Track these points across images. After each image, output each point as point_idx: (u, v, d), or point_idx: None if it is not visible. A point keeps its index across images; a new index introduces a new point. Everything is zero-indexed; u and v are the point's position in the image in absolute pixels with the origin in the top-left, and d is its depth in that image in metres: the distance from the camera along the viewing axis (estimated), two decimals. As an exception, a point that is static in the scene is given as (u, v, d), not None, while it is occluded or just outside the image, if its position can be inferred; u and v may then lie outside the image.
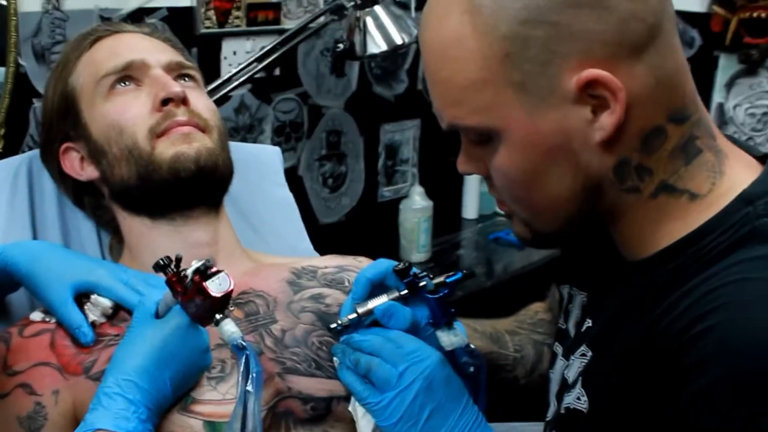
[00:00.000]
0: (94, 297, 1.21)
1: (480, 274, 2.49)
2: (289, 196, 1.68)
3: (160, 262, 1.07)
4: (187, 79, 1.34)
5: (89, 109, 1.29)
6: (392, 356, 1.11)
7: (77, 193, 1.39)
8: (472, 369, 1.16)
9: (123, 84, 1.29)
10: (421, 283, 1.15)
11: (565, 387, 1.08)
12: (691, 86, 0.96)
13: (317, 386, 1.21)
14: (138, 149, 1.25)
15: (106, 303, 1.21)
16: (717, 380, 0.83)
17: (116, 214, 1.33)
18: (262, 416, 1.14)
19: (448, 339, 1.15)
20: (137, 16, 1.91)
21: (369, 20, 1.82)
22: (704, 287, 0.88)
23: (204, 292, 1.05)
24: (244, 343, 1.07)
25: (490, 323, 1.35)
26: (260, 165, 1.65)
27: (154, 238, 1.28)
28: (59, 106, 1.33)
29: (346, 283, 1.32)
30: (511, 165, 0.96)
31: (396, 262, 1.17)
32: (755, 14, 2.50)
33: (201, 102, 1.31)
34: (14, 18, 1.69)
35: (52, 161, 1.38)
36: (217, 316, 1.07)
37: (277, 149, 1.73)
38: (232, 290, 1.07)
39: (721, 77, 2.63)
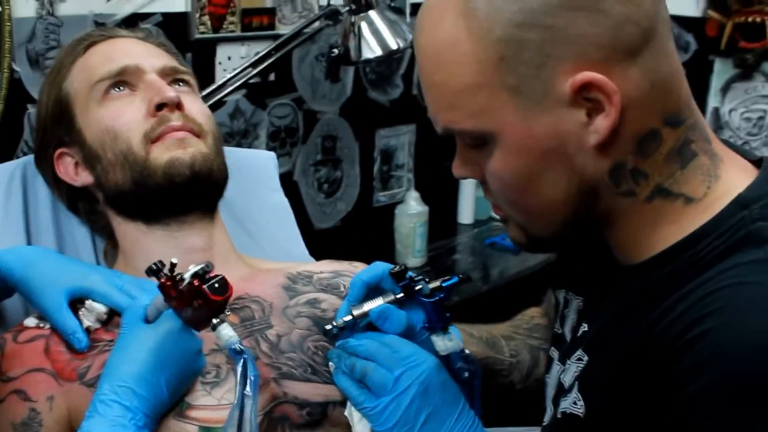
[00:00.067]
0: (88, 302, 1.21)
1: (476, 279, 2.49)
2: (284, 201, 1.68)
3: (153, 266, 1.06)
4: (181, 84, 1.34)
5: (83, 115, 1.29)
6: (388, 361, 1.11)
7: (72, 198, 1.39)
8: (467, 374, 1.16)
9: (117, 89, 1.29)
10: (417, 287, 1.15)
11: (562, 391, 1.08)
12: (686, 90, 0.96)
13: (313, 391, 1.21)
14: (132, 154, 1.25)
15: (101, 308, 1.20)
16: (712, 384, 0.83)
17: (111, 220, 1.33)
18: (258, 421, 1.13)
19: (443, 344, 1.15)
20: (132, 22, 1.91)
21: (364, 25, 1.82)
22: (700, 291, 0.88)
23: (203, 295, 1.04)
24: (241, 348, 1.06)
25: (485, 328, 1.35)
26: (255, 170, 1.65)
27: (148, 243, 1.28)
28: (53, 112, 1.32)
29: (342, 288, 1.32)
30: (506, 169, 0.96)
31: (392, 265, 1.17)
32: (750, 19, 2.51)
33: (195, 107, 1.31)
34: (8, 23, 1.69)
35: (46, 166, 1.37)
36: (214, 321, 1.07)
37: (271, 154, 1.73)
38: (230, 295, 1.06)
39: (716, 82, 2.64)
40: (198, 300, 1.05)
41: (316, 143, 2.47)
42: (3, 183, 1.41)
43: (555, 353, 1.15)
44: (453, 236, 2.84)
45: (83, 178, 1.32)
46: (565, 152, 0.93)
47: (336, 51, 1.87)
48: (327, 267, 1.38)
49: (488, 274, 2.58)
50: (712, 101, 2.65)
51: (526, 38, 0.89)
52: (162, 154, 1.24)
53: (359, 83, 2.53)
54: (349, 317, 1.16)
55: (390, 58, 1.96)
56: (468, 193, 2.87)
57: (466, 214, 2.92)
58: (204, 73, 2.05)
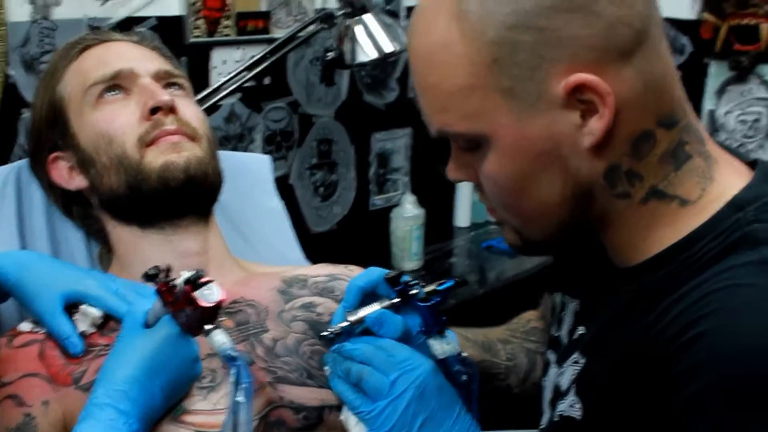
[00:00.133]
0: (83, 307, 1.20)
1: (472, 283, 2.49)
2: (280, 205, 1.68)
3: (150, 271, 1.06)
4: (175, 87, 1.34)
5: (78, 118, 1.29)
6: (384, 365, 1.10)
7: (66, 202, 1.39)
8: (464, 377, 1.15)
9: (111, 93, 1.28)
10: (413, 291, 1.15)
11: (559, 394, 1.08)
12: (680, 91, 0.96)
13: (309, 395, 1.21)
14: (127, 158, 1.24)
15: (96, 313, 1.20)
16: (708, 387, 0.83)
17: (105, 224, 1.33)
18: (254, 426, 1.13)
19: (440, 347, 1.14)
20: (126, 26, 1.91)
21: (359, 28, 1.82)
22: (695, 294, 0.88)
23: (193, 302, 1.04)
24: (234, 354, 1.06)
25: (482, 332, 1.35)
26: (250, 174, 1.65)
27: (143, 247, 1.28)
28: (47, 116, 1.32)
29: (337, 292, 1.32)
30: (500, 171, 0.96)
31: (387, 270, 1.17)
32: (745, 21, 2.51)
33: (190, 110, 1.31)
34: (3, 27, 1.69)
35: (40, 171, 1.37)
36: (207, 327, 1.07)
37: (266, 158, 1.73)
38: (222, 301, 1.06)
39: (711, 84, 2.64)
40: (190, 306, 1.05)
41: (312, 147, 2.47)
42: (-3, 187, 1.41)
43: (552, 356, 1.15)
44: (449, 239, 2.84)
45: (77, 182, 1.32)
46: (559, 154, 0.93)
47: (331, 54, 1.87)
48: (322, 270, 1.38)
49: (485, 277, 2.58)
50: (708, 104, 2.65)
51: (519, 40, 0.89)
52: (156, 158, 1.24)
53: (354, 87, 2.53)
54: (345, 323, 1.16)
55: (385, 61, 1.96)
56: (464, 196, 2.87)
57: (462, 217, 2.92)
58: (199, 77, 2.05)
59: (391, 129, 2.68)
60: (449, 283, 1.16)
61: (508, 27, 0.89)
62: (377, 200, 2.71)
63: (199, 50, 2.10)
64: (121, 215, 1.29)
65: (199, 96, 1.68)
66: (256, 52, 1.85)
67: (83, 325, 1.20)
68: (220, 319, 1.08)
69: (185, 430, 1.12)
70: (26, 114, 1.76)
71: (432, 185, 2.57)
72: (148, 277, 1.07)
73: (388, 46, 1.83)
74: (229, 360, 1.06)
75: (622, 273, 1.00)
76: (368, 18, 1.82)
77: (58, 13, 1.81)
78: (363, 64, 1.85)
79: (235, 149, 2.20)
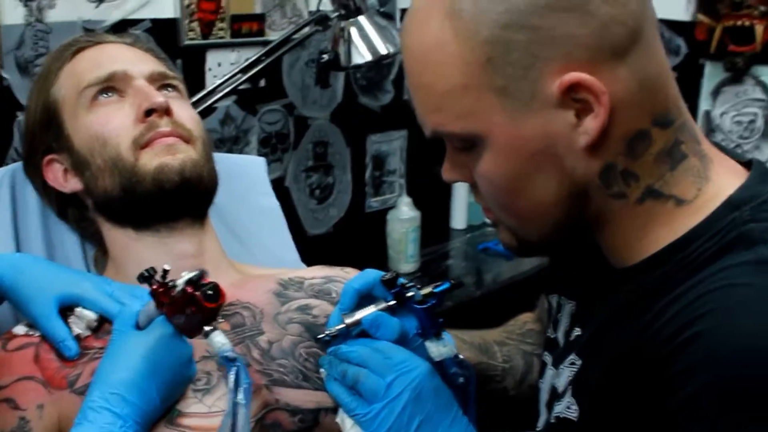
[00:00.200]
0: (78, 310, 1.20)
1: (469, 285, 2.49)
2: (276, 207, 1.67)
3: (145, 273, 1.06)
4: (170, 89, 1.33)
5: (72, 121, 1.29)
6: (380, 367, 1.10)
7: (61, 205, 1.38)
8: (461, 380, 1.15)
9: (105, 95, 1.28)
10: (409, 294, 1.15)
11: (555, 396, 1.08)
12: (675, 90, 0.96)
13: (305, 398, 1.20)
14: (121, 161, 1.24)
15: (91, 316, 1.20)
16: (704, 387, 0.83)
17: (100, 226, 1.32)
18: (251, 428, 1.13)
19: (436, 349, 1.14)
20: (121, 28, 1.91)
21: (353, 31, 1.82)
22: (691, 294, 0.88)
23: (196, 302, 1.04)
24: (234, 355, 1.06)
25: (478, 334, 1.35)
26: (245, 176, 1.65)
27: (138, 249, 1.28)
28: (41, 118, 1.32)
29: (333, 294, 1.32)
30: (495, 171, 0.96)
31: (383, 272, 1.16)
32: (739, 22, 2.51)
33: (184, 112, 1.31)
34: (-3, 31, 1.69)
35: (35, 173, 1.37)
36: (206, 328, 1.07)
37: (261, 159, 1.72)
38: (223, 302, 1.06)
39: (707, 85, 2.64)
40: (191, 307, 1.05)
41: (308, 149, 2.47)
42: (-8, 190, 1.41)
43: (548, 358, 1.15)
44: (446, 241, 2.84)
45: (72, 184, 1.31)
46: (554, 154, 0.93)
47: (326, 57, 1.87)
48: (318, 273, 1.37)
49: (481, 279, 2.58)
50: (704, 104, 2.65)
51: (512, 39, 0.89)
52: (151, 160, 1.23)
53: (350, 89, 2.53)
54: (342, 326, 1.16)
55: (380, 63, 1.95)
56: (461, 198, 2.88)
57: (458, 219, 2.92)
58: (194, 79, 2.05)
59: (387, 131, 2.68)
60: (445, 285, 1.16)
61: (501, 26, 0.89)
62: (373, 202, 2.71)
63: (193, 53, 2.10)
64: (116, 218, 1.29)
65: (194, 98, 1.67)
66: (251, 54, 1.85)
67: (78, 328, 1.20)
68: (219, 321, 1.08)
69: (181, 433, 1.12)
70: (21, 117, 1.75)
71: (428, 187, 2.57)
72: (143, 278, 1.06)
73: (383, 48, 1.82)
74: (228, 361, 1.06)
75: (619, 273, 1.00)
76: (363, 20, 1.82)
77: (53, 16, 1.81)
78: (358, 66, 1.85)
79: (230, 152, 2.20)
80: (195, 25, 2.07)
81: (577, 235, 1.01)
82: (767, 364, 0.81)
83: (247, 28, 2.18)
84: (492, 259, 2.68)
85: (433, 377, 1.11)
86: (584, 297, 1.10)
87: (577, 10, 0.88)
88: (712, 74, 2.63)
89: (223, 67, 2.14)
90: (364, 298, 1.17)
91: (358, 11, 1.81)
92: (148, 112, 1.26)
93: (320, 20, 1.86)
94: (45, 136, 1.32)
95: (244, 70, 1.80)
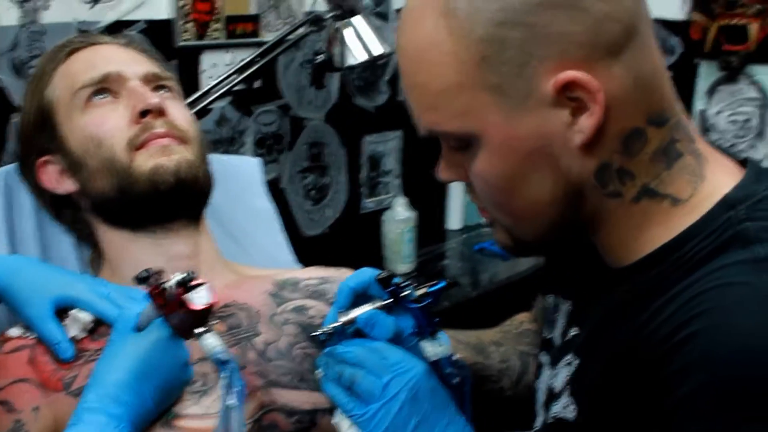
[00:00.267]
0: (74, 312, 1.20)
1: (465, 285, 2.49)
2: (270, 208, 1.67)
3: (141, 274, 1.06)
4: (164, 90, 1.33)
5: (66, 122, 1.28)
6: (376, 367, 1.10)
7: (56, 206, 1.38)
8: (457, 380, 1.15)
9: (100, 96, 1.28)
10: (404, 293, 1.15)
11: (552, 396, 1.08)
12: (670, 89, 0.96)
13: (301, 399, 1.20)
14: (116, 162, 1.24)
15: (87, 318, 1.20)
16: (700, 387, 0.83)
17: (95, 228, 1.32)
18: (247, 430, 1.13)
19: (432, 349, 1.14)
20: (115, 29, 1.90)
21: (348, 31, 1.81)
22: (687, 293, 0.88)
23: (184, 304, 1.04)
24: (225, 357, 1.06)
25: (474, 334, 1.35)
26: (240, 177, 1.65)
27: (134, 251, 1.27)
28: (36, 119, 1.32)
29: (329, 295, 1.32)
30: (491, 170, 0.95)
31: (379, 271, 1.16)
32: (734, 21, 2.52)
33: (179, 113, 1.31)
34: (-9, 32, 1.69)
35: (29, 175, 1.36)
36: (198, 330, 1.06)
37: (257, 160, 1.72)
38: (213, 303, 1.06)
39: (702, 84, 2.65)
40: (181, 309, 1.04)
41: (303, 150, 2.46)
42: (-14, 192, 1.40)
43: (545, 358, 1.15)
44: (442, 242, 2.84)
45: (67, 185, 1.31)
46: (550, 153, 0.93)
47: (321, 57, 1.87)
48: (314, 273, 1.38)
49: (477, 279, 2.58)
50: (699, 104, 2.66)
51: (507, 37, 0.89)
52: (146, 162, 1.23)
53: (345, 89, 2.53)
54: (337, 324, 1.16)
55: (375, 63, 1.96)
56: (456, 198, 2.88)
57: (454, 219, 2.92)
58: (189, 80, 2.04)
59: (382, 131, 2.68)
60: (441, 284, 1.16)
61: (496, 24, 0.89)
62: (369, 203, 2.70)
63: (188, 54, 2.09)
64: (112, 219, 1.29)
65: (189, 99, 1.67)
66: (246, 55, 1.85)
67: (74, 330, 1.19)
68: (212, 322, 1.08)
69: (177, 435, 1.12)
70: (16, 119, 1.75)
71: (423, 187, 2.57)
72: (140, 280, 1.06)
73: (378, 49, 1.82)
74: (220, 363, 1.05)
75: (615, 273, 1.00)
76: (357, 20, 1.82)
77: (47, 17, 1.81)
78: (353, 67, 1.85)
79: (226, 153, 2.19)
80: (190, 26, 2.07)
81: (573, 235, 1.01)
82: (763, 363, 0.81)
83: (241, 29, 2.18)
84: (488, 259, 2.68)
85: (429, 377, 1.11)
86: (580, 297, 1.09)
87: (572, 7, 0.88)
88: (706, 73, 2.63)
89: (218, 68, 2.13)
90: (360, 298, 1.17)
91: (353, 12, 1.81)
92: (143, 113, 1.25)
93: (315, 21, 1.86)
94: (39, 137, 1.32)
95: (239, 71, 1.80)
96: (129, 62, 1.32)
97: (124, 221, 1.27)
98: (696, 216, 0.93)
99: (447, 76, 0.92)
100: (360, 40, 1.82)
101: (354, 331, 1.16)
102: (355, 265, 1.32)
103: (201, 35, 2.10)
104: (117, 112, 1.26)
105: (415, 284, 1.16)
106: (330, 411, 1.17)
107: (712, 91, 2.64)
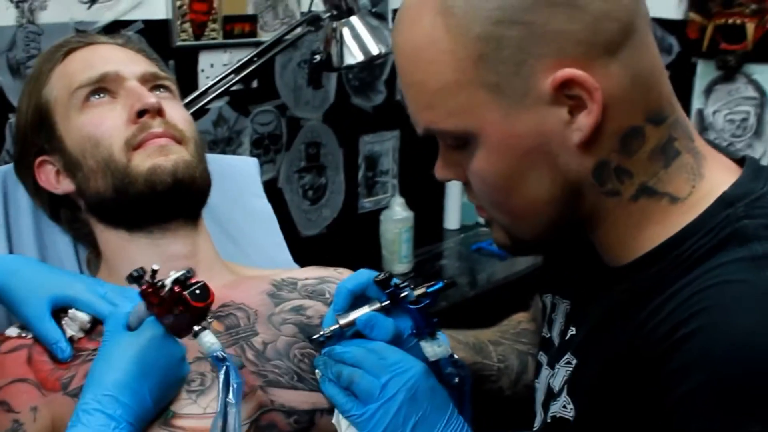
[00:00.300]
0: (71, 312, 1.20)
1: (463, 285, 2.49)
2: (268, 207, 1.67)
3: (134, 273, 1.05)
4: (162, 90, 1.33)
5: (64, 122, 1.28)
6: (375, 368, 1.10)
7: (53, 206, 1.38)
8: (456, 380, 1.15)
9: (97, 96, 1.28)
10: (403, 294, 1.14)
11: (551, 396, 1.08)
12: (668, 87, 0.96)
13: (300, 399, 1.20)
14: (114, 162, 1.24)
15: (84, 317, 1.20)
16: (700, 385, 0.83)
17: (93, 228, 1.32)
18: (245, 430, 1.13)
19: (431, 349, 1.14)
20: (113, 29, 1.90)
21: (345, 31, 1.82)
22: (686, 291, 0.88)
23: (184, 302, 1.03)
24: (223, 355, 1.05)
25: (473, 334, 1.34)
26: (238, 176, 1.65)
27: (131, 251, 1.27)
28: (33, 119, 1.31)
29: (327, 295, 1.32)
30: (488, 169, 0.95)
31: (377, 273, 1.16)
32: (731, 20, 2.52)
33: (177, 113, 1.30)
34: (-12, 32, 1.68)
35: (27, 175, 1.36)
36: (196, 328, 1.06)
37: (254, 160, 1.72)
38: (211, 301, 1.05)
39: (699, 83, 2.65)
40: (179, 306, 1.04)
41: (300, 150, 2.47)
42: (-16, 193, 1.40)
43: (543, 358, 1.14)
44: (439, 242, 2.84)
45: (64, 185, 1.31)
46: (548, 151, 0.93)
47: (318, 57, 1.87)
48: (312, 273, 1.37)
49: (475, 279, 2.58)
50: (696, 103, 2.66)
51: (505, 35, 0.89)
52: (144, 162, 1.23)
53: (342, 89, 2.53)
54: (336, 326, 1.15)
55: (372, 63, 1.96)
56: (454, 198, 2.88)
57: (452, 219, 2.92)
58: (186, 80, 2.04)
59: (379, 131, 2.68)
60: (439, 285, 1.15)
61: (493, 22, 0.89)
62: (366, 203, 2.70)
63: (186, 54, 2.10)
64: (109, 219, 1.28)
65: (187, 99, 1.67)
66: (244, 55, 1.85)
67: (71, 330, 1.19)
68: (209, 321, 1.07)
69: (175, 435, 1.12)
70: (13, 119, 1.75)
71: (421, 187, 2.57)
72: (133, 279, 1.06)
73: (375, 49, 1.83)
74: (217, 361, 1.05)
75: (613, 272, 1.00)
76: (355, 20, 1.82)
77: (45, 17, 1.81)
78: (350, 67, 1.85)
79: (223, 153, 2.20)
80: (187, 26, 2.07)
81: (571, 234, 1.01)
82: (763, 360, 0.81)
83: (239, 29, 2.18)
84: (486, 259, 2.68)
85: (428, 377, 1.11)
86: (579, 296, 1.09)
87: (570, 5, 0.88)
88: (704, 73, 2.64)
89: (215, 68, 2.14)
90: (358, 299, 1.17)
91: (350, 12, 1.82)
92: (141, 113, 1.25)
93: (312, 21, 1.86)
94: (37, 137, 1.31)
95: (236, 71, 1.80)
96: (126, 62, 1.31)
97: (122, 221, 1.27)
98: (694, 214, 0.93)
99: (444, 75, 0.92)
100: (357, 40, 1.82)
101: (353, 333, 1.16)
102: (352, 265, 1.33)
103: (198, 35, 2.10)
104: (114, 112, 1.26)
105: (413, 285, 1.16)
106: (329, 411, 1.17)
107: (709, 91, 2.64)
